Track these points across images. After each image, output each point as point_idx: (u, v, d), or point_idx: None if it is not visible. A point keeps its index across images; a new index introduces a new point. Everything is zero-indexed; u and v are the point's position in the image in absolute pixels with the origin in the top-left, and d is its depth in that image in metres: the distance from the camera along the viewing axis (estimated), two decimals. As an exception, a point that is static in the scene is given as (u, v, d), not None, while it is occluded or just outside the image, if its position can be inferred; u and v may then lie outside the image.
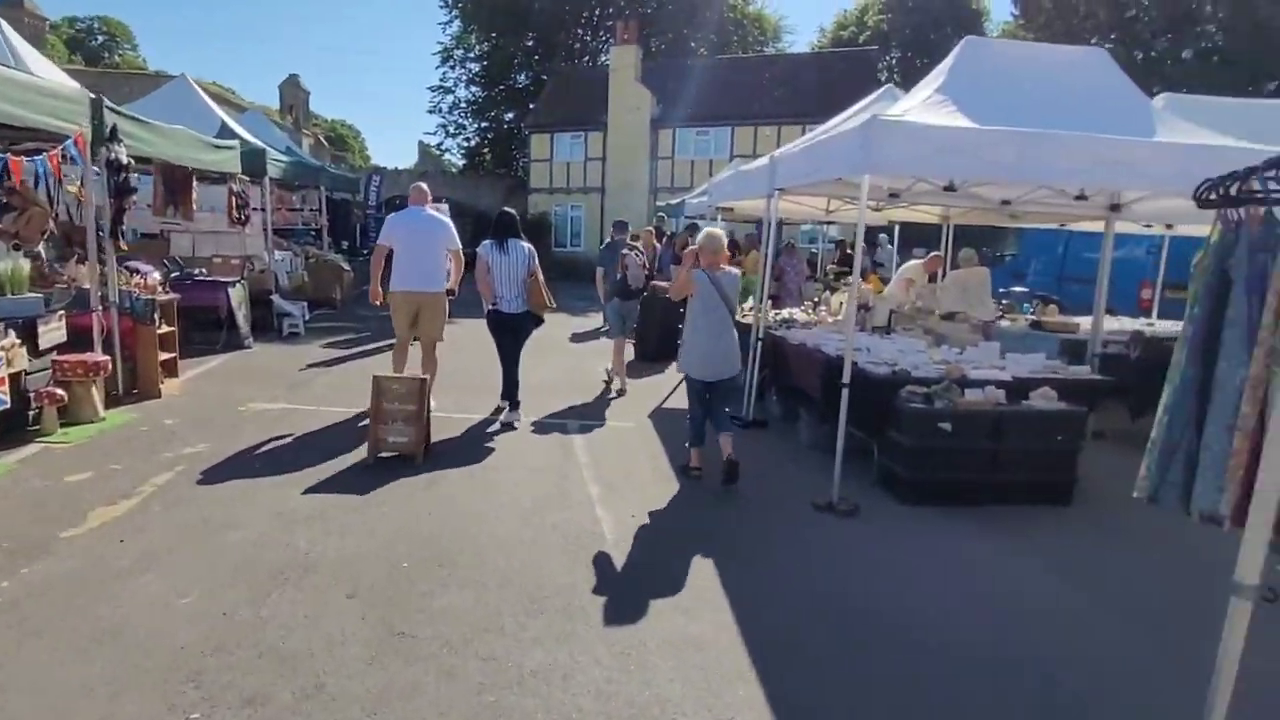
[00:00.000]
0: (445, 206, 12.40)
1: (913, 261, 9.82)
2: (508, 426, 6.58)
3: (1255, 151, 4.64)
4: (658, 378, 9.18)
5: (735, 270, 5.42)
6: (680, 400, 7.62)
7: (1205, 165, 5.08)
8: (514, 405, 6.75)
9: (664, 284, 9.26)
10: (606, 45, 32.75)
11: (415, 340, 6.76)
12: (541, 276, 6.58)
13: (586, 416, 7.08)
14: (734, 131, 25.33)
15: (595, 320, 14.31)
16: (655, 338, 10.27)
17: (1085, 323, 9.43)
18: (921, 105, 5.03)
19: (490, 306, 6.49)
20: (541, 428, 6.61)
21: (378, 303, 6.72)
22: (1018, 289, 13.15)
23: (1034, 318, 8.70)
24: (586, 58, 36.49)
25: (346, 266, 15.01)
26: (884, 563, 4.19)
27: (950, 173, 4.84)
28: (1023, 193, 6.56)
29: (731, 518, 4.73)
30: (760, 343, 6.95)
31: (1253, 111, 7.61)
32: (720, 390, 5.35)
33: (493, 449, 5.90)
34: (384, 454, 5.38)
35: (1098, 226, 8.90)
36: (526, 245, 6.53)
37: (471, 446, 5.93)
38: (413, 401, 5.27)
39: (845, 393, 4.90)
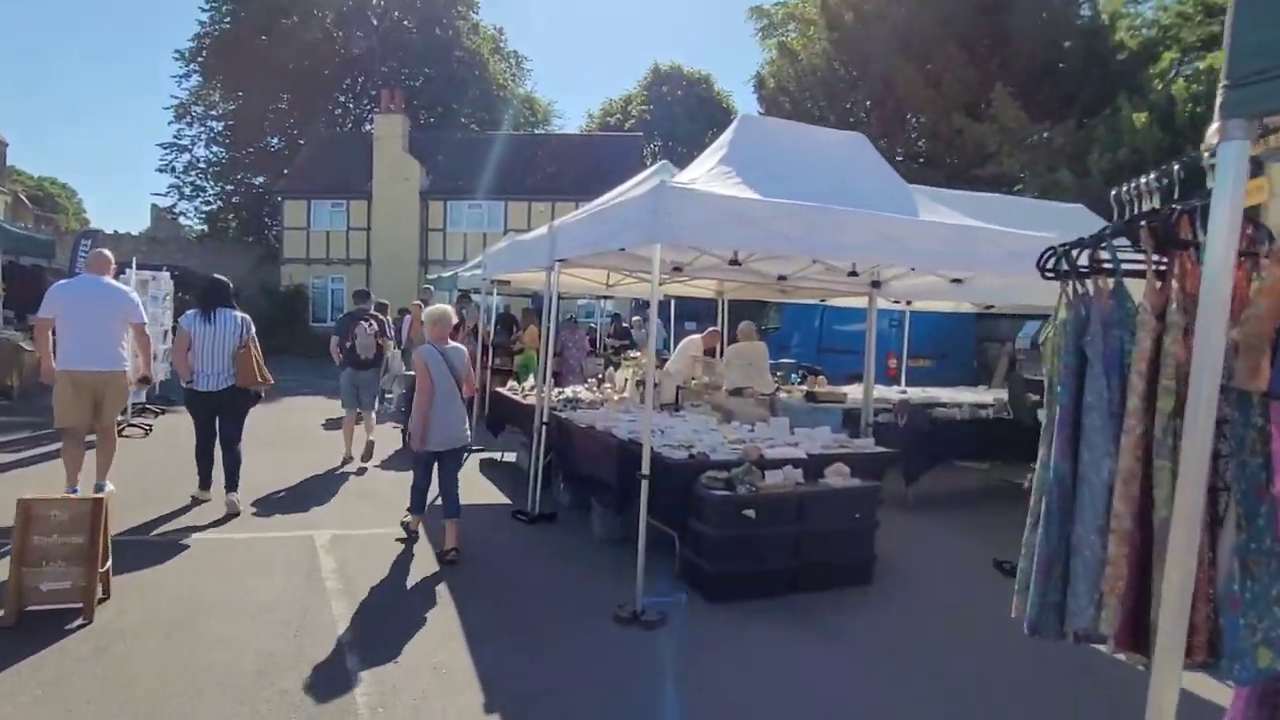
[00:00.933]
0: (165, 276, 10.52)
1: (692, 336, 9.83)
2: (231, 513, 5.88)
3: (1012, 234, 4.96)
4: (430, 468, 8.14)
5: (462, 346, 5.55)
6: (464, 495, 6.74)
7: (967, 243, 5.45)
8: (232, 485, 6.09)
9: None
10: (370, 113, 31.35)
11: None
12: (257, 350, 6.11)
13: (339, 521, 5.90)
14: (508, 206, 25.10)
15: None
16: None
17: (851, 391, 10.00)
18: (707, 175, 4.81)
19: (186, 383, 6.01)
20: (278, 542, 5.33)
21: (50, 381, 5.73)
22: (785, 360, 13.84)
23: (806, 389, 8.97)
24: (349, 124, 34.68)
25: (29, 346, 12.14)
26: (703, 682, 3.61)
27: (739, 243, 4.66)
28: (799, 268, 6.66)
29: (524, 649, 3.90)
30: (545, 426, 6.27)
31: (979, 202, 8.53)
32: (449, 463, 5.40)
33: (206, 580, 4.55)
34: (35, 607, 3.87)
35: (856, 301, 9.55)
36: (239, 315, 6.13)
37: (175, 579, 4.54)
38: (79, 531, 3.87)
39: (645, 485, 4.36)
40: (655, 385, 7.77)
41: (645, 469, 4.37)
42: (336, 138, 30.58)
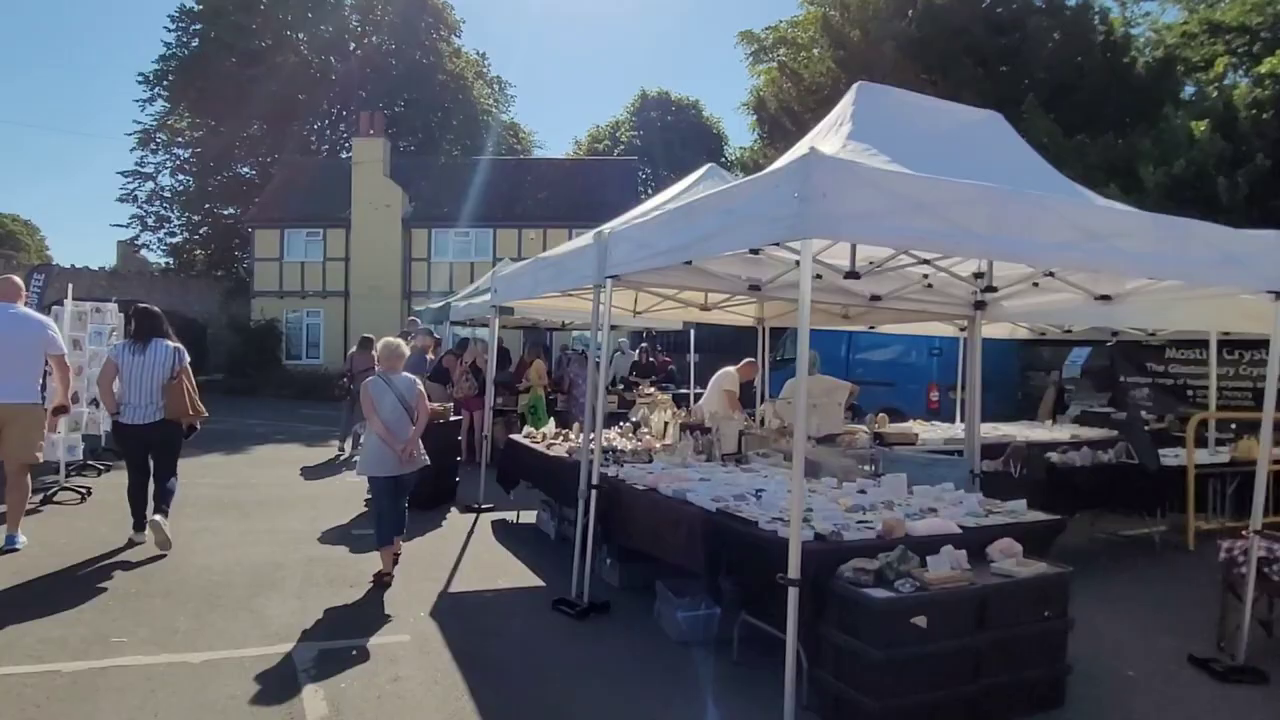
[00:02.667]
0: (112, 308, 9.01)
1: (727, 369, 8.49)
2: (161, 544, 5.50)
3: (1228, 232, 3.74)
4: (434, 535, 6.66)
5: (412, 376, 5.48)
6: (483, 576, 5.33)
7: (1180, 240, 4.15)
8: (162, 509, 5.71)
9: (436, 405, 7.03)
10: (346, 140, 30.00)
11: None
12: (191, 381, 5.89)
13: (333, 631, 4.41)
14: (496, 233, 23.77)
15: (331, 449, 11.27)
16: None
17: (922, 431, 8.71)
18: (846, 154, 3.52)
19: (112, 415, 5.80)
20: (236, 669, 3.84)
21: None
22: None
23: (867, 429, 7.65)
24: (325, 149, 33.30)
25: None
26: None
27: (911, 239, 3.35)
28: (900, 285, 5.40)
29: None
30: (595, 490, 4.87)
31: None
32: (404, 486, 5.27)
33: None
34: None
35: (934, 329, 8.31)
36: (173, 345, 5.90)
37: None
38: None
39: (792, 594, 2.98)
40: (704, 430, 6.46)
41: (792, 572, 2.99)
42: (312, 164, 29.16)
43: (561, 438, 7.01)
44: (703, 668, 4.01)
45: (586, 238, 5.32)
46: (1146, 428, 8.92)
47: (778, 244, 3.59)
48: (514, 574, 5.64)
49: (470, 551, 6.14)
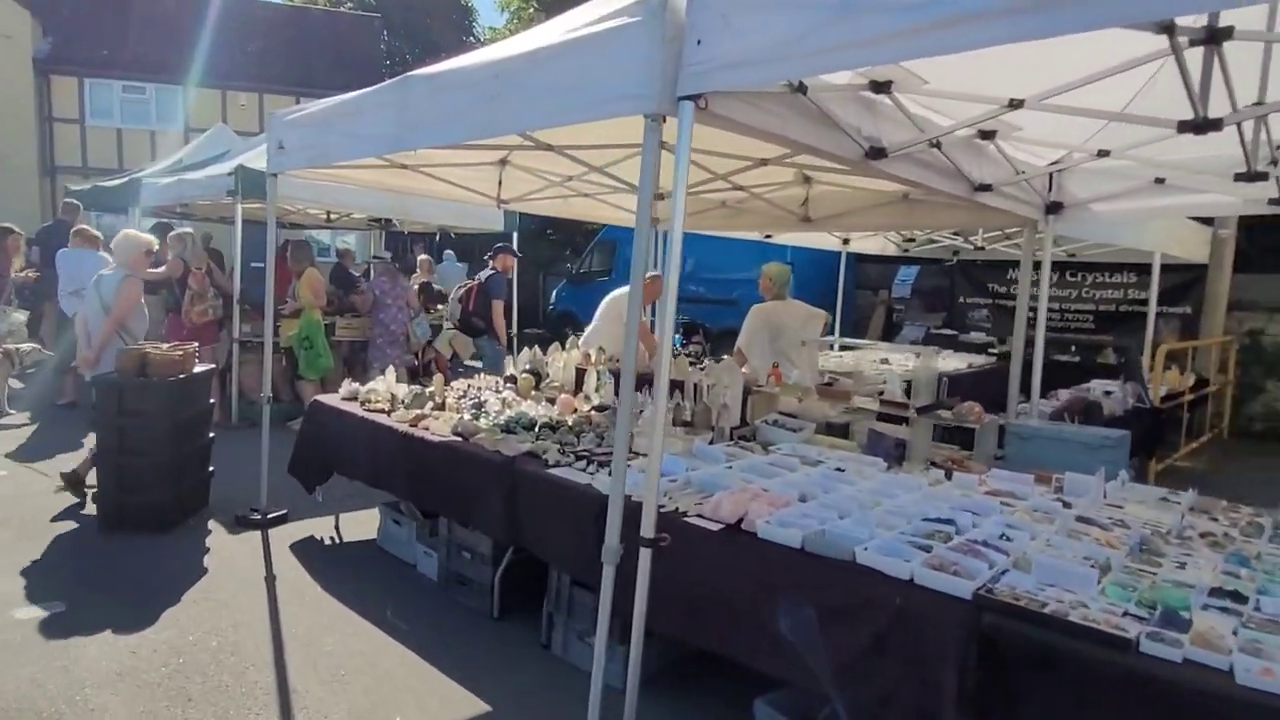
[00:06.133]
0: None
1: (620, 291, 6.16)
2: None
3: None
4: (195, 597, 3.60)
5: (113, 273, 4.70)
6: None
7: None
8: None
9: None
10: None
11: None
12: None
13: None
14: (189, 94, 17.71)
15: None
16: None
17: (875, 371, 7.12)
18: None
19: None
20: None
21: None
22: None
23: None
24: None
25: None
26: None
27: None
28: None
29: None
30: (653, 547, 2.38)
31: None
32: None
33: None
34: None
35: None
36: None
37: None
38: None
39: None
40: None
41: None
42: None
43: (433, 404, 4.20)
44: None
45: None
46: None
47: None
48: (410, 696, 2.94)
49: (290, 634, 3.26)
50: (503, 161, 5.25)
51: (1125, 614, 1.93)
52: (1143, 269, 8.76)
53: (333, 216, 10.02)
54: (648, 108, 2.21)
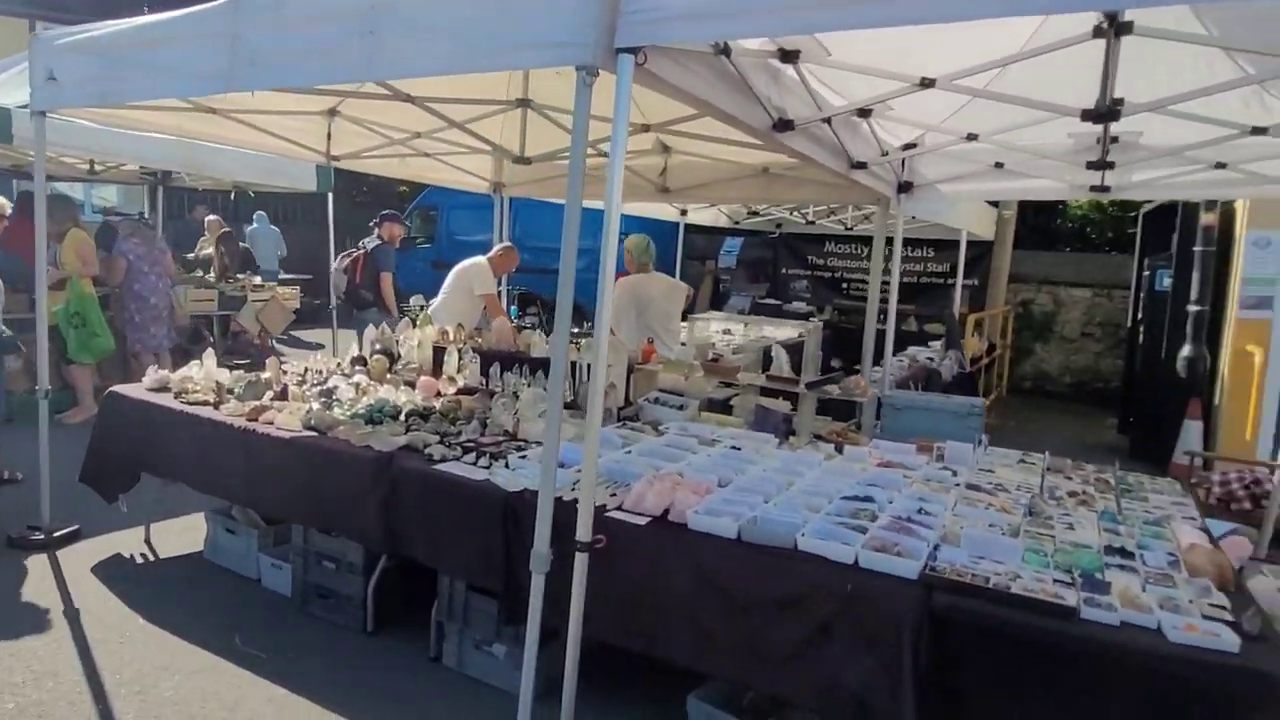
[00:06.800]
0: None
1: (475, 260, 5.76)
2: None
3: None
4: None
5: None
6: None
7: None
8: None
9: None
10: None
11: None
12: None
13: None
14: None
15: None
16: None
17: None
18: None
19: None
20: None
21: None
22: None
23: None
24: None
25: None
26: None
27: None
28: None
29: None
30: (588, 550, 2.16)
31: None
32: None
33: None
34: None
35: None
36: None
37: None
38: None
39: None
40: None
41: None
42: None
43: (271, 392, 3.61)
44: None
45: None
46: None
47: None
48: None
49: (116, 681, 2.66)
50: (332, 111, 4.64)
51: (1055, 581, 2.03)
52: (939, 245, 9.72)
53: (98, 167, 8.42)
54: (581, 58, 1.94)
